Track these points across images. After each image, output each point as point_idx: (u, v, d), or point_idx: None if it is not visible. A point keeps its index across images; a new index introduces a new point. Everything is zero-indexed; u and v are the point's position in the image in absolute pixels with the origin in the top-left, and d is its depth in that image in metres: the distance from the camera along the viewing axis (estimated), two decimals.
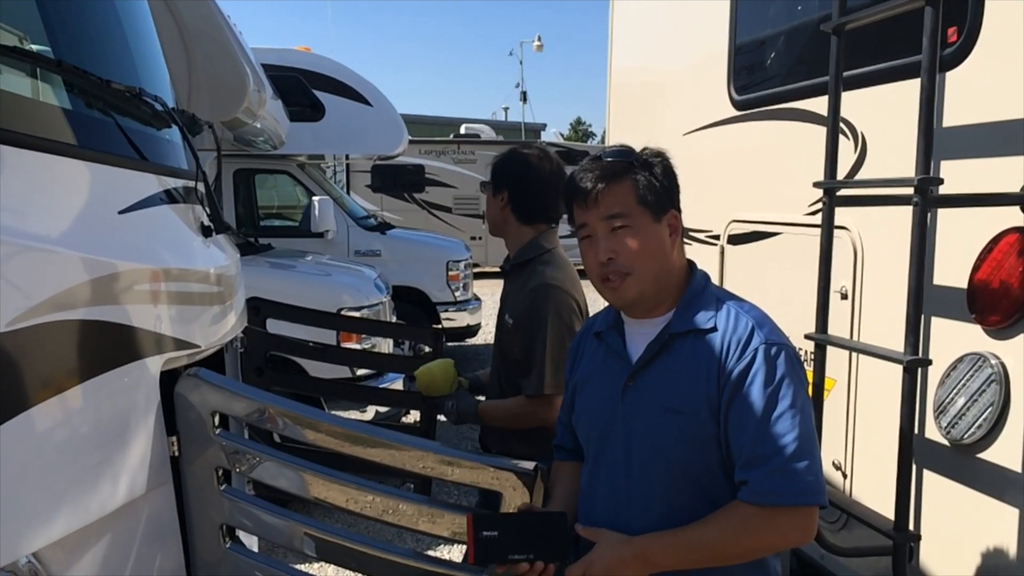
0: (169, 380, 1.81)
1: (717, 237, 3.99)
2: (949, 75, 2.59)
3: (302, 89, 8.96)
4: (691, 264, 2.05)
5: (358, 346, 5.88)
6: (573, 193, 1.98)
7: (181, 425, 1.83)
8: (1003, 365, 2.39)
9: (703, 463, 1.87)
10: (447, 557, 4.16)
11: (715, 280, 2.04)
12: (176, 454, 1.84)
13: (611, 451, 1.99)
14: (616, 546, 1.86)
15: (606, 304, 2.09)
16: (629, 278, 1.92)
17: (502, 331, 2.96)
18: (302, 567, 2.17)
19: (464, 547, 1.95)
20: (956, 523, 2.56)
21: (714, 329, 1.89)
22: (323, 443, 1.86)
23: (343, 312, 6.05)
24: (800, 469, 1.76)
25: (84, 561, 1.50)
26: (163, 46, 2.70)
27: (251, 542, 2.23)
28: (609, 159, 1.96)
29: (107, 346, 1.56)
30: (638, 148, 2.01)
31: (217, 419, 1.85)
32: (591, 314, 2.42)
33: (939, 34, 2.39)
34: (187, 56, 3.87)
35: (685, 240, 2.39)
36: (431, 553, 4.21)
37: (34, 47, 1.85)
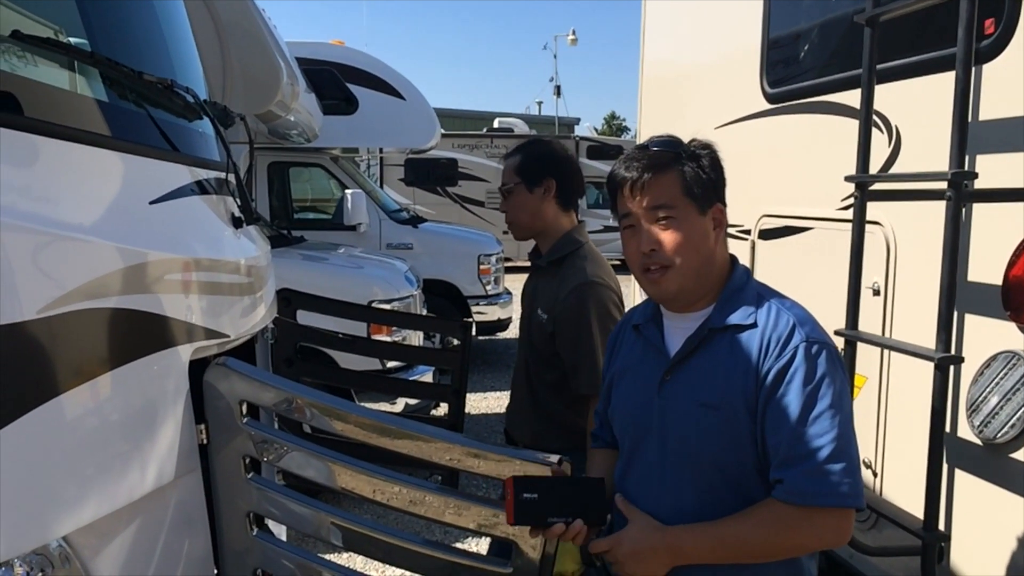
0: (199, 369, 1.83)
1: (748, 232, 3.97)
2: (986, 67, 2.55)
3: (336, 83, 9.01)
4: (733, 259, 2.02)
5: (388, 338, 5.91)
6: (619, 182, 1.96)
7: (209, 413, 1.85)
8: None
9: (738, 460, 1.85)
10: (474, 549, 4.17)
11: None
12: (204, 442, 1.86)
13: (646, 445, 1.98)
14: (648, 532, 1.86)
15: (641, 297, 2.08)
16: (670, 271, 1.90)
17: (533, 326, 2.94)
18: (330, 557, 2.18)
19: (489, 539, 1.96)
20: (987, 524, 2.52)
21: (754, 325, 1.86)
22: (351, 434, 1.86)
23: (374, 304, 6.08)
24: (837, 470, 1.73)
25: (113, 546, 1.52)
26: (198, 39, 2.73)
27: (280, 531, 2.25)
28: (656, 148, 1.93)
29: (137, 334, 1.58)
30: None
31: (245, 408, 1.87)
32: (626, 306, 2.41)
33: (975, 25, 2.35)
34: (222, 49, 3.91)
35: None
36: (457, 545, 4.23)
37: (70, 40, 1.87)
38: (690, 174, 1.90)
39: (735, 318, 1.89)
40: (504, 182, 2.99)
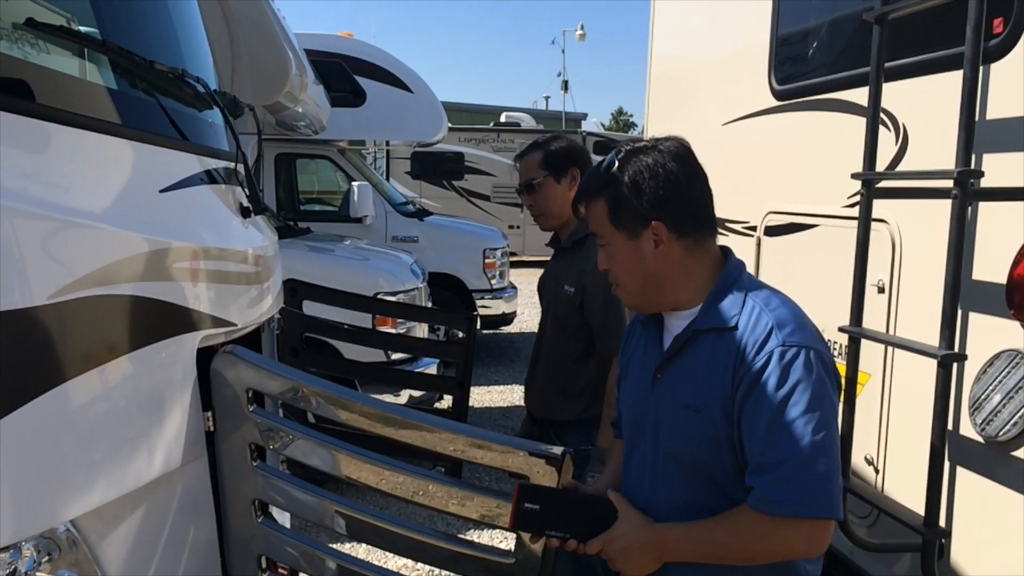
0: (206, 357, 1.85)
1: (754, 228, 3.97)
2: (994, 66, 2.55)
3: (344, 75, 9.02)
4: (726, 254, 2.00)
5: (393, 330, 5.92)
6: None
7: (216, 401, 1.86)
8: None
9: (718, 462, 1.85)
10: (476, 539, 4.19)
11: (751, 272, 2.00)
12: (211, 429, 1.87)
13: (642, 440, 2.00)
14: (636, 529, 1.87)
15: None
16: (620, 289, 1.98)
17: (560, 302, 3.12)
18: (333, 545, 2.20)
19: (490, 531, 1.96)
20: (988, 521, 2.53)
21: (735, 328, 1.84)
22: (355, 423, 1.87)
23: (379, 296, 6.09)
24: (807, 480, 1.70)
25: (120, 530, 1.53)
26: (208, 30, 2.73)
27: (284, 519, 2.26)
28: (590, 175, 1.98)
29: (146, 321, 1.59)
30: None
31: (251, 396, 1.88)
32: None
33: (983, 24, 2.35)
34: (231, 40, 3.91)
35: (720, 231, 2.37)
36: (460, 535, 4.24)
37: (82, 28, 1.88)
38: (615, 202, 1.90)
39: (717, 320, 1.87)
40: (530, 177, 3.17)
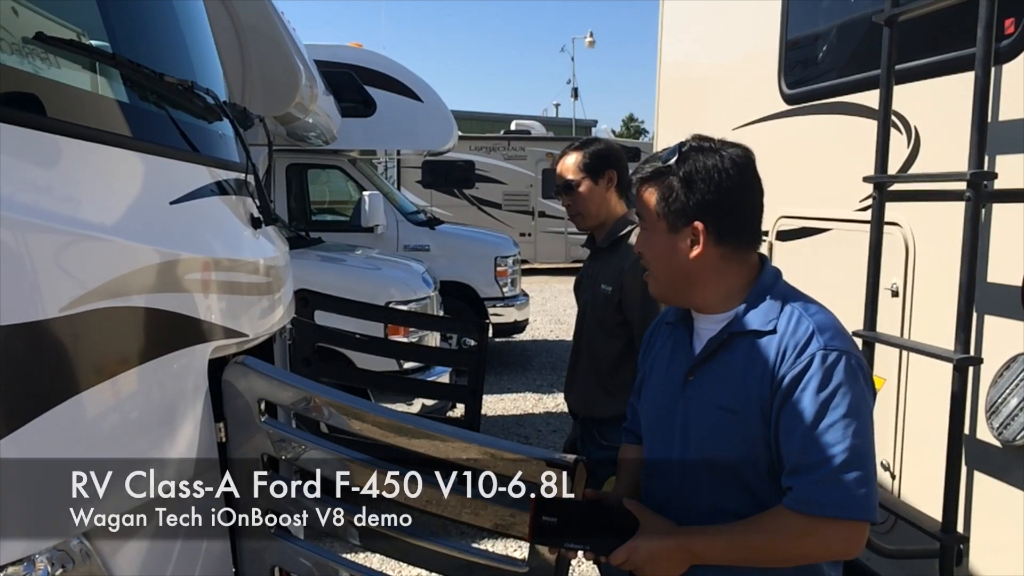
0: (217, 368, 1.85)
1: (766, 233, 3.95)
2: (1005, 67, 2.54)
3: (354, 85, 9.06)
4: (763, 260, 2.00)
5: (405, 339, 5.93)
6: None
7: (228, 412, 1.86)
8: None
9: (752, 464, 1.85)
10: (490, 548, 4.17)
11: None
12: (223, 440, 1.87)
13: (668, 442, 1.99)
14: (662, 535, 1.86)
15: None
16: (650, 276, 1.98)
17: (598, 301, 3.18)
18: (347, 556, 2.19)
19: (503, 540, 1.95)
20: (1007, 526, 2.51)
21: (773, 332, 1.85)
22: (368, 433, 1.87)
23: (391, 305, 6.10)
24: (847, 481, 1.71)
25: (132, 542, 1.52)
26: (218, 42, 2.75)
27: (296, 529, 2.26)
28: (657, 161, 1.95)
29: (158, 333, 1.59)
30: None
31: (263, 406, 1.88)
32: None
33: (994, 25, 2.34)
34: (241, 52, 3.94)
35: None
36: (474, 544, 4.23)
37: (92, 42, 1.89)
38: (665, 193, 1.90)
39: (756, 323, 1.88)
40: (569, 179, 3.25)
